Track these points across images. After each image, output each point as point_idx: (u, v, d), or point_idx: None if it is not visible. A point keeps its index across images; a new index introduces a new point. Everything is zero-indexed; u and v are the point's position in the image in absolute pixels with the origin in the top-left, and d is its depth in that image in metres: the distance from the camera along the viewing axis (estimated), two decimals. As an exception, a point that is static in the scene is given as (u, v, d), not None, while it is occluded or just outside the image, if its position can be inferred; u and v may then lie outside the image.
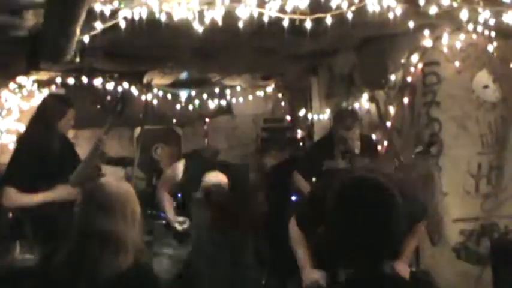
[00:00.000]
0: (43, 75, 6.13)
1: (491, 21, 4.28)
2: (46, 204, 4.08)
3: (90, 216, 2.55)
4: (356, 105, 5.58)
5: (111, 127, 4.38)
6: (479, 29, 4.54)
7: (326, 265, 2.20)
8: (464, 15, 4.12)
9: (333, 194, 2.10)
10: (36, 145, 4.19)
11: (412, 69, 5.05)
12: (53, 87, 6.48)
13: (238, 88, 7.24)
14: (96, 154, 4.33)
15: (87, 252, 2.50)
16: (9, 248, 4.08)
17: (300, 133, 7.09)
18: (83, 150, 4.71)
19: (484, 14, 4.20)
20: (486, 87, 4.83)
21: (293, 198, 5.86)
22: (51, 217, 4.03)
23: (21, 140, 4.43)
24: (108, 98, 4.45)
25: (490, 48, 4.78)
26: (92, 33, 4.17)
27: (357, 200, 2.05)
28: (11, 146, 6.20)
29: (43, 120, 4.29)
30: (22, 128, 6.21)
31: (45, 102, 4.46)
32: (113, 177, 2.82)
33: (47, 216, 4.07)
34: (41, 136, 4.22)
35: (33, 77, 6.11)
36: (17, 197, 4.07)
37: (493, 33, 4.67)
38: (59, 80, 6.26)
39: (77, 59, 4.46)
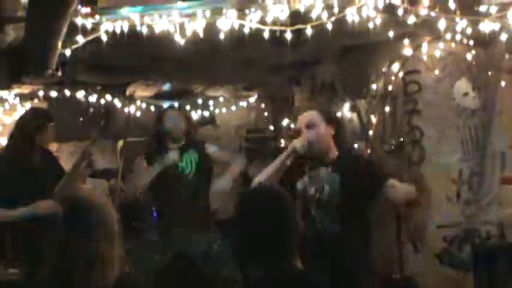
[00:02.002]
0: (25, 89, 6.11)
1: (469, 30, 4.35)
2: (27, 220, 4.07)
3: (71, 233, 2.53)
4: (339, 114, 5.61)
5: (95, 141, 4.41)
6: (458, 37, 4.60)
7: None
8: (442, 24, 4.19)
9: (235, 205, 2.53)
10: (16, 160, 4.19)
11: (393, 78, 5.09)
12: (36, 101, 6.47)
13: (221, 99, 7.26)
14: (81, 166, 4.33)
15: (71, 270, 2.48)
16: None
17: (283, 143, 7.11)
18: (66, 164, 4.71)
19: (461, 23, 4.27)
20: (466, 94, 4.89)
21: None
22: (32, 233, 4.02)
23: (1, 155, 4.42)
24: (91, 111, 4.47)
25: (469, 56, 4.83)
26: (74, 46, 4.18)
27: (250, 209, 2.47)
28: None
29: (22, 135, 4.29)
30: (4, 142, 6.19)
31: (23, 116, 4.46)
32: (90, 190, 2.80)
33: (28, 232, 4.06)
34: (20, 151, 4.22)
35: (15, 90, 6.09)
36: None
37: (471, 42, 4.73)
38: (41, 93, 6.25)
39: (59, 73, 4.48)
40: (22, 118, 4.46)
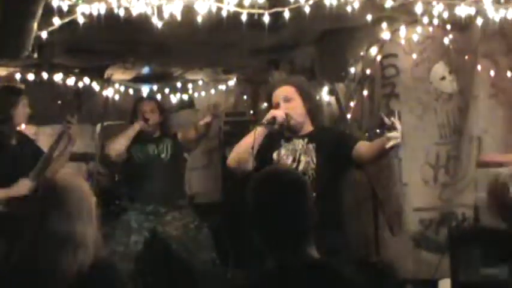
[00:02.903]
0: (2, 71, 6.05)
1: (445, 14, 4.37)
2: (4, 201, 4.05)
3: (44, 214, 2.52)
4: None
5: (70, 122, 4.41)
6: (435, 21, 4.62)
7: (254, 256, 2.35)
8: (419, 8, 4.21)
9: (248, 188, 2.36)
10: None
11: (371, 61, 5.12)
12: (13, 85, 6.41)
13: (200, 82, 7.23)
14: (57, 147, 4.33)
15: (43, 252, 2.47)
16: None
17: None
18: (44, 147, 4.69)
19: (438, 7, 4.29)
20: (443, 78, 4.92)
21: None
22: (8, 215, 4.00)
23: None
24: (69, 94, 4.46)
25: (446, 40, 4.86)
26: (50, 28, 4.14)
27: (271, 193, 2.29)
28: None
29: None
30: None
31: None
32: (67, 173, 2.78)
33: (3, 213, 4.04)
34: None
35: (-8, 73, 6.03)
36: None
37: (448, 26, 4.75)
38: (18, 76, 6.19)
39: (35, 55, 4.44)
40: None
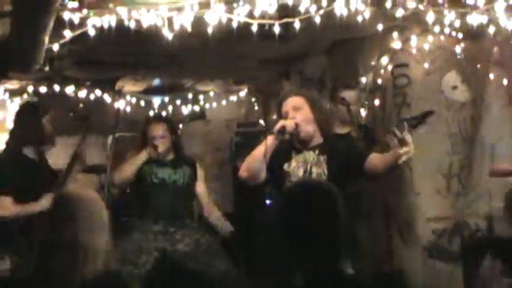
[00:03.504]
0: (15, 84, 6.10)
1: (457, 23, 4.35)
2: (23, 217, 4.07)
3: (55, 226, 2.53)
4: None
5: (84, 139, 4.43)
6: (447, 30, 4.60)
7: (280, 271, 2.26)
8: (430, 17, 4.19)
9: (277, 201, 2.31)
10: (17, 156, 4.20)
11: (382, 71, 5.10)
12: (25, 96, 6.45)
13: (212, 93, 7.25)
14: (77, 163, 4.35)
15: (54, 263, 2.48)
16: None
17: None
18: (56, 158, 4.70)
19: (450, 16, 4.27)
20: (455, 87, 4.89)
21: (267, 202, 5.88)
22: (26, 228, 4.01)
23: (3, 151, 4.42)
24: (81, 106, 4.47)
25: (458, 49, 4.84)
26: (61, 41, 4.16)
27: (299, 205, 2.17)
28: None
29: (20, 129, 4.30)
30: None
31: (17, 114, 4.46)
32: (78, 185, 2.80)
33: (23, 227, 4.05)
34: (17, 151, 4.22)
35: (4, 86, 6.07)
36: (10, 206, 4.06)
37: (459, 35, 4.73)
38: (31, 88, 6.23)
39: (46, 68, 4.46)
40: (16, 116, 4.45)
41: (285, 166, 3.78)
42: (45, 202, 4.11)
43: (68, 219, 2.52)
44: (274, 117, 5.40)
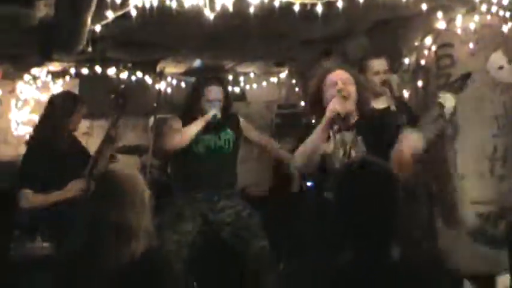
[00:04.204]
0: (57, 66, 6.16)
1: (505, 1, 4.25)
2: (60, 203, 4.13)
3: (99, 205, 2.56)
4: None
5: (117, 121, 4.44)
6: (494, 9, 4.50)
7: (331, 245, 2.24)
8: (476, -4, 4.11)
9: (336, 177, 2.29)
10: (45, 146, 4.23)
11: (426, 51, 5.02)
12: (67, 78, 6.52)
13: (252, 75, 7.22)
14: (106, 147, 4.37)
15: (97, 242, 2.50)
16: (27, 237, 4.13)
17: (314, 119, 7.06)
18: (98, 140, 4.74)
19: (497, -6, 4.19)
20: (501, 68, 4.79)
21: (308, 184, 5.85)
22: (65, 213, 4.07)
23: (31, 140, 4.46)
24: (114, 95, 4.48)
25: (505, 28, 4.73)
26: (103, 22, 4.18)
27: (359, 186, 2.16)
28: (27, 137, 6.25)
29: (50, 120, 4.32)
30: (36, 118, 6.26)
31: (51, 101, 4.48)
32: (121, 165, 2.83)
33: (61, 213, 4.11)
34: (49, 136, 4.26)
35: (47, 67, 6.14)
36: (33, 199, 4.13)
37: (507, 14, 4.62)
38: (72, 70, 6.29)
39: (89, 49, 4.49)
40: (50, 102, 4.48)
41: (324, 147, 3.63)
42: (73, 189, 4.17)
43: (111, 199, 2.54)
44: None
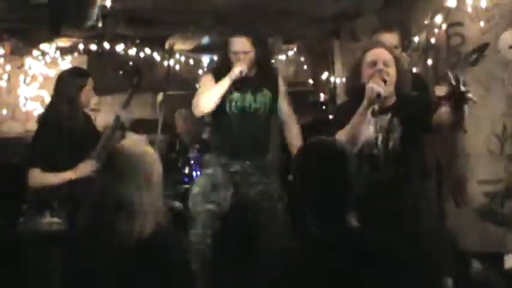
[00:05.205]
0: (66, 42, 6.16)
1: (517, -21, 4.22)
2: (70, 182, 4.13)
3: (104, 181, 2.54)
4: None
5: (130, 100, 4.40)
6: (505, -13, 4.47)
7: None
8: (488, -27, 4.07)
9: (295, 157, 2.44)
10: (57, 123, 4.22)
11: (436, 30, 4.98)
12: (76, 54, 6.52)
13: (260, 52, 7.21)
14: (116, 127, 4.35)
15: (103, 218, 2.49)
16: (36, 212, 4.14)
17: (322, 97, 7.06)
18: (106, 116, 4.75)
19: (509, -28, 4.15)
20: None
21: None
22: (75, 190, 4.07)
23: (42, 118, 4.45)
24: (123, 71, 4.44)
25: (516, 7, 4.70)
26: (114, -2, 4.18)
27: (313, 162, 2.32)
28: (36, 113, 6.27)
29: (62, 97, 4.30)
30: (46, 95, 6.27)
31: (60, 77, 4.46)
32: (130, 142, 2.76)
33: (71, 189, 4.12)
34: (61, 113, 4.25)
35: (56, 43, 6.14)
36: (42, 178, 4.13)
37: (519, -8, 4.59)
38: (81, 46, 6.29)
39: (99, 24, 4.47)
40: (59, 79, 4.46)
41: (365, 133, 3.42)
42: (83, 170, 4.17)
43: (115, 177, 2.51)
44: (325, 75, 5.21)
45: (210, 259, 4.24)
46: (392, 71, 3.46)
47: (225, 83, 4.22)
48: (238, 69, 4.20)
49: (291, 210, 4.41)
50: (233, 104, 4.31)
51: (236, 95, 4.31)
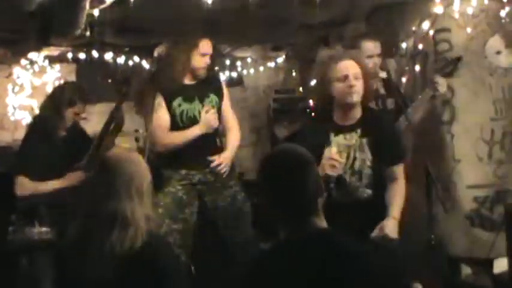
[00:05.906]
0: (54, 51, 6.14)
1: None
2: (58, 191, 4.12)
3: (94, 192, 2.53)
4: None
5: (120, 108, 4.38)
6: (491, -6, 4.50)
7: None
8: (474, -20, 4.10)
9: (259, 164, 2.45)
10: (46, 133, 4.22)
11: (423, 36, 5.01)
12: (64, 63, 6.50)
13: (249, 60, 7.22)
14: (107, 133, 4.33)
15: (93, 228, 2.48)
16: (25, 221, 4.13)
17: (312, 103, 7.07)
18: (94, 125, 4.74)
19: (495, -22, 4.18)
20: (499, 52, 4.78)
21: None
22: (63, 203, 4.06)
23: (31, 127, 4.45)
24: (112, 79, 4.45)
25: (502, 13, 4.72)
26: (102, 6, 4.17)
27: (276, 169, 2.38)
28: (24, 122, 6.25)
29: (51, 107, 4.31)
30: (34, 104, 6.25)
31: (56, 89, 4.48)
32: (120, 151, 2.75)
33: (59, 202, 4.11)
34: (49, 124, 4.25)
35: (44, 52, 6.12)
36: (30, 186, 4.13)
37: (504, -2, 4.63)
38: (70, 55, 6.27)
39: (87, 33, 4.47)
40: (54, 90, 4.49)
41: (326, 151, 3.44)
42: (72, 179, 4.16)
43: (104, 184, 2.49)
44: (313, 83, 5.22)
45: (187, 275, 4.18)
46: (360, 83, 3.51)
47: (194, 133, 4.21)
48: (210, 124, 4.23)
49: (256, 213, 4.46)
50: (183, 115, 4.26)
51: (184, 105, 4.27)
